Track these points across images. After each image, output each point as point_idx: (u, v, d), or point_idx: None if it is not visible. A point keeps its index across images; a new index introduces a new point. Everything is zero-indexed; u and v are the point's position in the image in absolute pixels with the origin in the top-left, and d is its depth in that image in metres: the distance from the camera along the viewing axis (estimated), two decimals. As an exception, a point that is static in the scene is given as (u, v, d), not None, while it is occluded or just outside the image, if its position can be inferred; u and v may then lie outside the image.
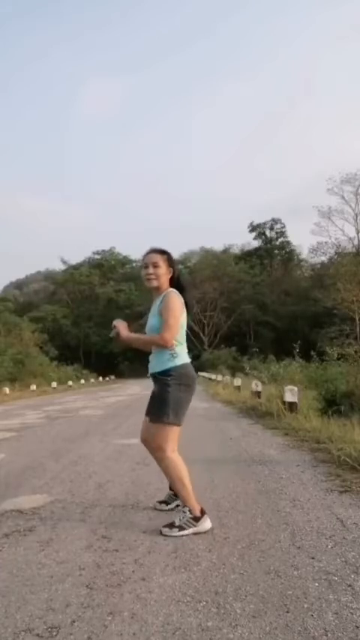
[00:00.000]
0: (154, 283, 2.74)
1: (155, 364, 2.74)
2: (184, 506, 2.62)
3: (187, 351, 2.78)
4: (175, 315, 2.63)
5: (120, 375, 47.61)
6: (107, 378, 43.13)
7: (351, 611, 1.72)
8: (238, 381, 14.84)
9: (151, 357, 2.78)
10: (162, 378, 2.68)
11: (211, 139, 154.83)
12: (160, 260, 2.75)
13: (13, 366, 25.72)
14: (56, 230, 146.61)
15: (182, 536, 2.52)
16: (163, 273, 2.75)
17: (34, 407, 13.35)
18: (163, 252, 2.80)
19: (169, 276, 2.79)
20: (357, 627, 1.61)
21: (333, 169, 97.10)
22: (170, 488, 2.90)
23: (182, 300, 2.72)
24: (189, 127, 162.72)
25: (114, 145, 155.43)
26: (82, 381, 34.67)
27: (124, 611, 1.78)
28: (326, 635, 1.57)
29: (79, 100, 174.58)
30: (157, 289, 2.77)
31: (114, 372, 47.92)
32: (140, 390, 21.35)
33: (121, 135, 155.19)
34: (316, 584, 1.92)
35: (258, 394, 10.36)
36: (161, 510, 2.97)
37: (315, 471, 3.86)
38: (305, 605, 1.76)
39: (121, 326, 2.75)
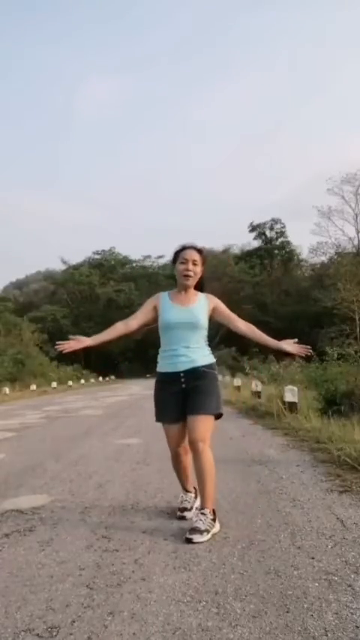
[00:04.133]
0: (190, 281, 2.75)
1: (201, 358, 2.74)
2: (203, 508, 2.57)
3: None
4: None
5: (120, 375, 47.59)
6: (107, 378, 43.10)
7: (351, 611, 1.72)
8: (238, 381, 14.84)
9: (187, 352, 2.72)
10: (211, 372, 2.73)
11: (211, 139, 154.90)
12: (198, 259, 2.76)
13: (13, 366, 25.73)
14: (56, 230, 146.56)
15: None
16: (199, 272, 2.78)
17: (34, 407, 13.34)
18: (200, 251, 2.79)
19: (200, 275, 2.81)
20: (357, 627, 1.61)
21: (333, 169, 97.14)
22: (186, 490, 2.91)
23: None
24: (189, 126, 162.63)
25: (114, 144, 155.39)
26: (82, 381, 34.64)
27: (124, 611, 1.78)
28: (326, 635, 1.57)
29: (78, 100, 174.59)
30: (189, 287, 2.78)
31: (114, 372, 47.89)
32: (140, 390, 21.33)
33: (120, 135, 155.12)
34: (316, 584, 1.92)
35: (258, 394, 10.36)
36: None
37: (315, 471, 3.86)
38: (305, 605, 1.76)
39: None
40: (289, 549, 2.29)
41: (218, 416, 2.72)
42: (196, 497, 2.88)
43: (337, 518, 2.68)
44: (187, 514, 2.81)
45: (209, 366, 2.74)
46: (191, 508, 2.85)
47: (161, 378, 2.80)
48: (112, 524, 2.77)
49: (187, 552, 2.30)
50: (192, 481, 2.89)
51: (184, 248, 2.79)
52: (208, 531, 2.47)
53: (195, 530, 2.46)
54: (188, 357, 2.71)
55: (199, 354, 2.74)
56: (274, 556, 2.22)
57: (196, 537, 2.43)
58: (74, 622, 1.71)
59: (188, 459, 2.83)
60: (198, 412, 2.64)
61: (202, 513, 2.54)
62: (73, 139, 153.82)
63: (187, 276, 2.72)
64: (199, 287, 2.85)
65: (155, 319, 2.83)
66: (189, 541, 2.42)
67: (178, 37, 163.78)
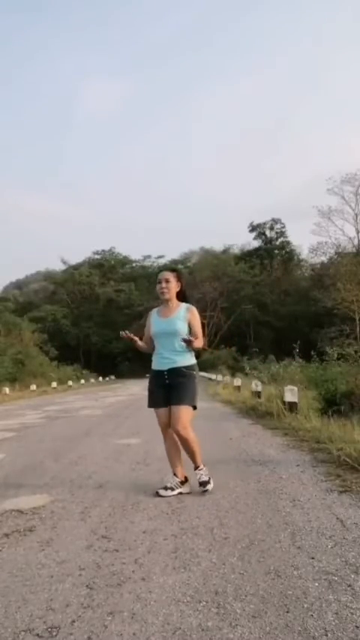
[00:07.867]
0: (167, 296, 3.39)
1: (181, 360, 3.34)
2: (198, 467, 3.33)
3: None
4: (201, 327, 3.42)
5: (120, 375, 47.60)
6: (107, 378, 43.13)
7: (351, 611, 1.72)
8: (238, 381, 14.84)
9: (171, 355, 3.34)
10: (188, 372, 3.33)
11: (212, 139, 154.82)
12: (170, 277, 3.42)
13: (13, 366, 25.73)
14: (56, 230, 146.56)
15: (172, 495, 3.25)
16: (173, 287, 3.40)
17: (34, 407, 13.35)
18: (173, 270, 3.56)
19: (178, 289, 3.43)
20: (357, 627, 1.61)
21: (333, 169, 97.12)
22: (175, 474, 3.40)
23: None
24: (189, 127, 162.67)
25: (114, 145, 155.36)
26: (82, 381, 34.65)
27: (124, 611, 1.78)
28: (326, 635, 1.57)
29: (79, 100, 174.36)
30: (170, 300, 3.41)
31: (114, 372, 47.94)
32: (140, 390, 21.32)
33: (121, 135, 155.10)
34: (316, 584, 1.92)
35: (258, 394, 10.35)
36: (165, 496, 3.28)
37: (315, 471, 3.85)
38: (305, 605, 1.76)
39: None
40: (289, 549, 2.29)
41: (194, 407, 3.32)
42: (181, 485, 3.36)
43: (337, 518, 2.68)
44: (162, 492, 3.29)
45: (188, 367, 3.35)
46: (172, 489, 3.32)
47: (152, 374, 3.47)
48: (112, 524, 2.77)
49: (187, 552, 2.31)
50: (182, 471, 3.41)
51: (160, 271, 3.57)
52: (210, 479, 3.33)
53: (204, 482, 3.31)
54: (171, 359, 3.33)
55: (181, 357, 3.34)
56: (274, 556, 2.22)
57: (209, 486, 3.30)
58: (74, 622, 1.71)
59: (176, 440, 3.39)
60: (177, 403, 3.27)
61: (200, 470, 3.34)
62: (73, 139, 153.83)
63: (162, 292, 3.39)
64: (183, 298, 3.46)
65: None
66: (205, 491, 3.26)
67: (178, 37, 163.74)
